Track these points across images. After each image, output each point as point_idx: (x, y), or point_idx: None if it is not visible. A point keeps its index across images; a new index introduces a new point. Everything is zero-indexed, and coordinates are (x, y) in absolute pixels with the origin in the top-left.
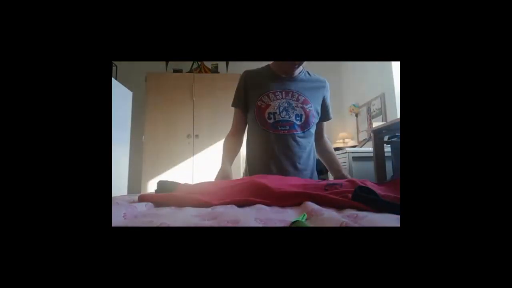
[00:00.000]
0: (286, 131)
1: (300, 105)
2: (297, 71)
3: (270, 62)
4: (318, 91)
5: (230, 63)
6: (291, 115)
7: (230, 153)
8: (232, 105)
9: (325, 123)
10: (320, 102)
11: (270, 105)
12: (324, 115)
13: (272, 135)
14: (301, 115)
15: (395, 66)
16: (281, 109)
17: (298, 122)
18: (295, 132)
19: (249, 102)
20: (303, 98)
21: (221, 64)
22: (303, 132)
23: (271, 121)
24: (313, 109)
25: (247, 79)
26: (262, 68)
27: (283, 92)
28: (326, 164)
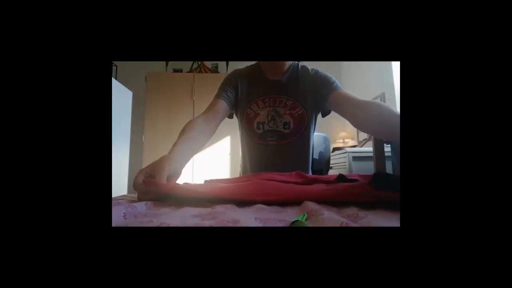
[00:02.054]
0: (274, 142)
1: (288, 111)
2: (285, 68)
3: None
4: (305, 84)
5: (230, 63)
6: (279, 125)
7: (187, 142)
8: (217, 97)
9: (342, 93)
10: (313, 93)
11: (259, 114)
12: (326, 91)
13: (260, 146)
14: (289, 122)
15: (395, 66)
16: (269, 118)
17: (286, 131)
18: (282, 143)
19: (238, 106)
20: (291, 102)
21: (221, 64)
22: (293, 141)
23: (260, 131)
24: (304, 111)
25: (237, 79)
26: (251, 69)
27: (271, 99)
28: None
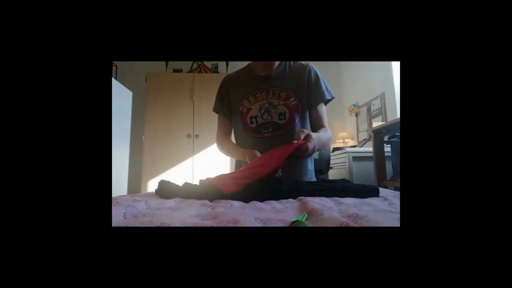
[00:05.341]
0: (270, 133)
1: (282, 102)
2: (276, 64)
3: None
4: (299, 78)
5: (230, 63)
6: (274, 116)
7: (235, 146)
8: (214, 111)
9: (323, 110)
10: (305, 88)
11: (251, 109)
12: (314, 97)
13: (255, 139)
14: (284, 112)
15: (395, 66)
16: (262, 111)
17: (282, 121)
18: (279, 133)
19: (232, 108)
20: (285, 93)
21: (221, 64)
22: (289, 130)
23: (253, 125)
24: (297, 102)
25: (227, 85)
26: (243, 69)
27: (263, 93)
28: None
